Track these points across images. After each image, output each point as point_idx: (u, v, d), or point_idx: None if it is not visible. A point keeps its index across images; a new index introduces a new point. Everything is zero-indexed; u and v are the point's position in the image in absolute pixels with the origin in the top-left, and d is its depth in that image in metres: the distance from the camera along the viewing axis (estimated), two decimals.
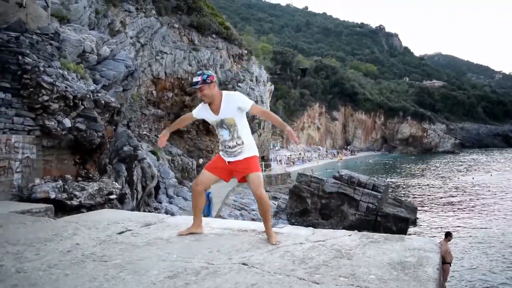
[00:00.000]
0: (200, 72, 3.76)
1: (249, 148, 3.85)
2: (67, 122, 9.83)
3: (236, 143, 3.79)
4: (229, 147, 3.80)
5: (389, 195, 28.67)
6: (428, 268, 2.77)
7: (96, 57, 13.65)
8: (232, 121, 3.78)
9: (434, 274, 2.67)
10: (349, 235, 3.69)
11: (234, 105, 3.76)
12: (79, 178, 10.36)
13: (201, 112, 3.94)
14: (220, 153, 3.94)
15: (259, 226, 4.01)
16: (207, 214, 12.87)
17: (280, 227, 4.08)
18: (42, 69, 9.72)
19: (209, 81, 3.70)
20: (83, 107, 10.35)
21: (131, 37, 28.71)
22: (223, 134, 3.82)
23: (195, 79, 3.71)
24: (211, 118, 3.87)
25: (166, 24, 32.71)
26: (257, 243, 3.53)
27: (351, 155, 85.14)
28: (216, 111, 3.81)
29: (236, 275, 2.74)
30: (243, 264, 2.96)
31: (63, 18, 15.65)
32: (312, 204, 24.50)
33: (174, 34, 33.67)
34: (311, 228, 4.12)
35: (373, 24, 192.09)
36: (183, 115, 4.36)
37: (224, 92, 3.84)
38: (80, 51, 12.81)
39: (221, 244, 3.47)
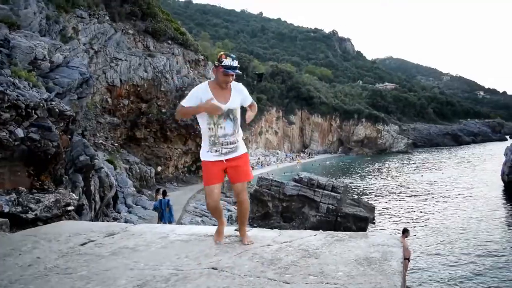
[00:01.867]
0: (235, 55, 3.54)
1: (243, 143, 3.72)
2: (20, 132, 9.46)
3: (237, 138, 3.60)
4: (229, 142, 3.55)
5: (348, 196, 29.31)
6: (393, 262, 2.87)
7: (49, 64, 13.22)
8: (236, 112, 3.59)
9: (399, 267, 2.77)
10: (315, 235, 3.76)
11: (241, 96, 3.63)
12: (34, 190, 9.97)
13: (203, 97, 3.47)
14: (211, 154, 3.58)
15: (226, 230, 4.01)
16: (170, 221, 12.74)
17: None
18: None
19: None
20: (36, 116, 9.99)
21: (84, 44, 27.99)
22: (226, 127, 3.52)
23: (235, 63, 3.46)
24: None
25: (120, 30, 32.10)
26: (225, 247, 3.54)
27: (309, 158, 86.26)
28: (224, 99, 3.52)
29: (206, 279, 2.74)
30: (213, 268, 2.97)
31: (12, 24, 15.04)
32: (273, 208, 24.70)
33: (129, 40, 33.09)
34: (277, 230, 4.17)
35: (327, 29, 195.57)
36: (182, 109, 3.54)
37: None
38: (31, 58, 12.37)
39: (188, 250, 3.46)
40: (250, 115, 3.78)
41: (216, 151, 3.56)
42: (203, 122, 3.56)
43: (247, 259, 3.15)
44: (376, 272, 2.70)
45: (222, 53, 3.54)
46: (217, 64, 3.50)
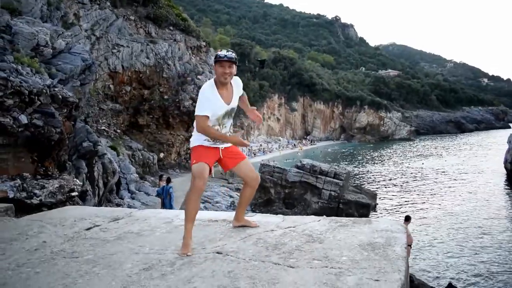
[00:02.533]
0: (232, 50, 3.46)
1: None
2: (23, 119, 9.46)
3: (231, 132, 3.61)
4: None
5: (350, 183, 29.37)
6: (397, 247, 2.89)
7: (51, 50, 13.16)
8: (235, 109, 3.56)
9: (403, 253, 2.79)
10: (318, 221, 3.78)
11: (239, 91, 3.59)
12: (38, 176, 10.02)
13: (212, 97, 3.38)
14: (207, 143, 3.47)
15: (229, 215, 4.04)
16: (169, 208, 12.81)
17: (249, 216, 4.12)
18: None
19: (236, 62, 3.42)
20: (39, 102, 9.98)
21: (86, 30, 27.84)
22: (227, 125, 3.53)
23: (230, 54, 3.36)
24: (222, 108, 3.42)
25: (121, 16, 31.89)
26: (229, 232, 3.56)
27: (311, 145, 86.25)
28: (228, 99, 3.46)
29: (211, 263, 2.77)
30: (218, 253, 2.99)
31: (14, 10, 14.93)
32: (275, 194, 24.78)
33: (130, 26, 32.89)
34: (280, 215, 4.19)
35: (329, 15, 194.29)
36: (207, 128, 3.38)
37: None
38: (33, 44, 12.31)
39: (193, 235, 3.47)
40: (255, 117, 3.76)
41: (213, 142, 3.48)
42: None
43: (251, 243, 3.18)
44: (380, 257, 2.72)
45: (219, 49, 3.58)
46: (214, 61, 3.44)
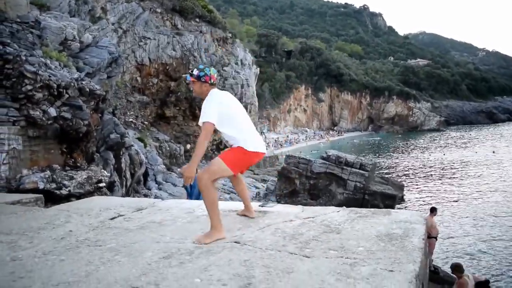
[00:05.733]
0: (202, 67, 3.54)
1: (236, 142, 3.49)
2: (52, 111, 9.74)
3: (228, 144, 3.59)
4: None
5: (376, 174, 29.04)
6: (414, 239, 2.87)
7: (79, 44, 13.47)
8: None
9: (420, 244, 2.77)
10: (338, 211, 3.78)
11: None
12: (67, 168, 10.31)
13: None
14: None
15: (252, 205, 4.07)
16: (196, 198, 12.91)
17: (270, 206, 4.15)
18: (24, 58, 9.59)
19: (203, 80, 3.47)
20: (67, 95, 10.25)
21: (113, 23, 28.30)
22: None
23: (194, 71, 3.52)
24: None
25: (148, 9, 32.26)
26: (248, 222, 3.61)
27: (338, 136, 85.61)
28: None
29: (229, 252, 2.82)
30: (236, 242, 3.04)
31: (42, 5, 15.33)
32: (300, 185, 24.72)
33: (157, 19, 33.23)
34: (300, 206, 4.20)
35: (357, 4, 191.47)
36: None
37: (212, 91, 3.49)
38: (61, 39, 12.63)
39: None
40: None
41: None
42: None
43: (269, 233, 3.21)
44: (397, 248, 2.71)
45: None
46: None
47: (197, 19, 36.32)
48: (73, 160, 10.54)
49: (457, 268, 9.00)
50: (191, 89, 3.66)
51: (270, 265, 2.54)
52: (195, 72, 3.52)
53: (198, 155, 3.22)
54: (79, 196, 8.98)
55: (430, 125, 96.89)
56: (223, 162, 3.31)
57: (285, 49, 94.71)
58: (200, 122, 3.30)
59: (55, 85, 9.77)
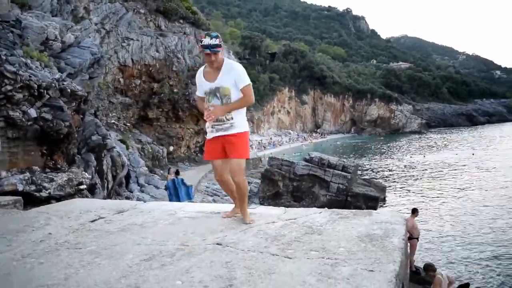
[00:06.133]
0: (216, 34, 3.51)
1: (241, 123, 3.67)
2: (33, 112, 9.58)
3: (226, 117, 3.59)
4: (218, 120, 3.60)
5: (359, 176, 29.29)
6: (394, 239, 2.91)
7: (60, 44, 13.28)
8: (225, 91, 3.57)
9: (400, 244, 2.81)
10: (320, 213, 3.81)
11: (232, 76, 3.57)
12: (47, 170, 10.15)
13: (199, 81, 3.75)
14: (209, 130, 3.71)
15: (232, 208, 4.07)
16: (189, 199, 12.85)
17: (252, 208, 4.16)
18: (4, 57, 9.41)
19: (220, 46, 3.52)
20: (48, 96, 10.09)
21: (96, 24, 28.02)
22: (214, 103, 3.60)
23: (214, 42, 3.44)
24: (204, 85, 3.66)
25: (131, 9, 32.03)
26: (230, 224, 3.61)
27: (321, 138, 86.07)
28: (211, 78, 3.62)
29: (210, 254, 2.81)
30: (218, 244, 3.04)
31: (24, 4, 15.08)
32: (284, 187, 24.81)
33: (140, 20, 33.02)
34: (283, 207, 4.22)
35: (340, 7, 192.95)
36: (200, 106, 3.85)
37: (226, 59, 3.64)
38: (43, 38, 12.43)
39: (195, 227, 3.53)
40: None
41: (212, 127, 3.68)
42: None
43: (251, 235, 3.22)
44: (377, 248, 2.75)
45: (202, 33, 3.63)
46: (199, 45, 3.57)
47: (181, 21, 36.19)
48: (53, 162, 10.37)
49: (429, 268, 9.21)
50: (212, 59, 3.54)
51: (251, 266, 2.55)
52: (216, 41, 3.46)
53: (235, 108, 3.58)
54: (59, 199, 8.84)
55: (412, 127, 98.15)
56: (243, 160, 3.64)
57: (269, 52, 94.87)
58: (242, 84, 3.56)
59: (35, 86, 9.61)
